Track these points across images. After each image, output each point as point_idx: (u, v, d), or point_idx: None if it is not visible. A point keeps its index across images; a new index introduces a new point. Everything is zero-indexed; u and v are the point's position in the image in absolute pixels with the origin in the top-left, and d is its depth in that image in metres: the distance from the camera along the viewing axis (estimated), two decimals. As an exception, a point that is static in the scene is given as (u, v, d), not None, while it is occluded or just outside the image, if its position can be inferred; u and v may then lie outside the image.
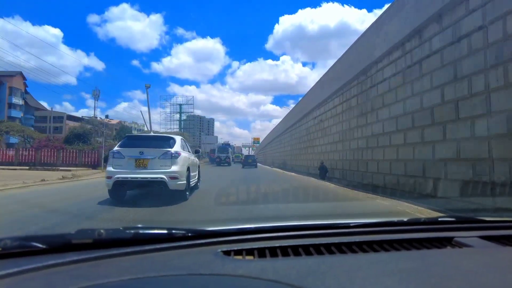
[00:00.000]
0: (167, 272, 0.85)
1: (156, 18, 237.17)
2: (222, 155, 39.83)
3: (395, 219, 1.42)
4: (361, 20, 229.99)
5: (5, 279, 0.81)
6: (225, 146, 46.42)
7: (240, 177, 17.21)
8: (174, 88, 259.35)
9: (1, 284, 0.79)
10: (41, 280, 0.82)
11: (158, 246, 1.04)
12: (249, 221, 1.30)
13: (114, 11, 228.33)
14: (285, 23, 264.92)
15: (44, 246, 0.97)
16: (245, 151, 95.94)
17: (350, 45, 13.74)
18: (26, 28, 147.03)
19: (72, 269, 0.88)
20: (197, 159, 9.60)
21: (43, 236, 1.00)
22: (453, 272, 0.88)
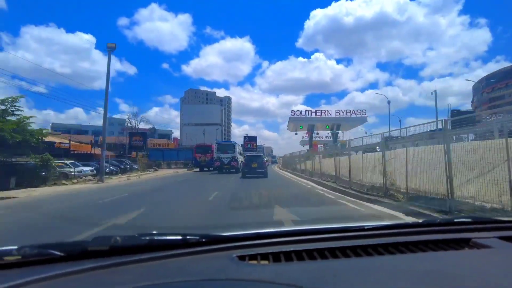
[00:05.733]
0: (182, 278, 0.86)
1: (185, 18, 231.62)
2: (224, 157, 24.50)
3: (410, 221, 1.40)
4: (402, 9, 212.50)
5: (25, 287, 0.83)
6: (229, 143, 27.96)
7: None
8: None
9: None
10: None
11: (173, 252, 1.05)
12: (263, 226, 1.30)
13: (143, 12, 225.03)
14: (317, 17, 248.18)
15: (61, 254, 0.99)
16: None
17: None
18: (60, 35, 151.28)
19: (89, 276, 0.89)
20: None
21: (61, 244, 1.03)
22: (471, 274, 0.86)
